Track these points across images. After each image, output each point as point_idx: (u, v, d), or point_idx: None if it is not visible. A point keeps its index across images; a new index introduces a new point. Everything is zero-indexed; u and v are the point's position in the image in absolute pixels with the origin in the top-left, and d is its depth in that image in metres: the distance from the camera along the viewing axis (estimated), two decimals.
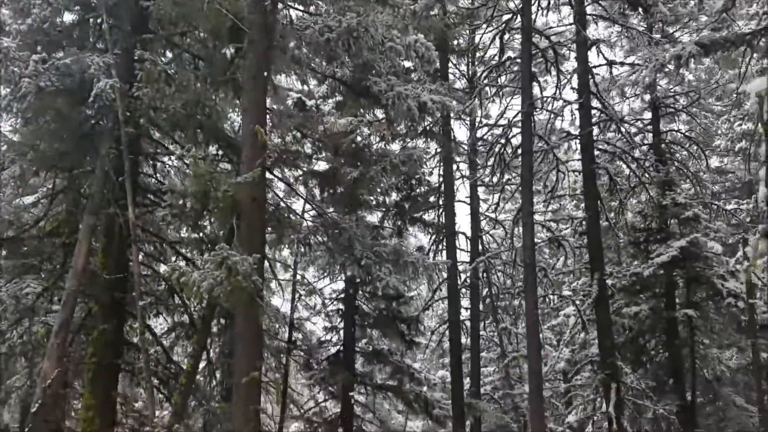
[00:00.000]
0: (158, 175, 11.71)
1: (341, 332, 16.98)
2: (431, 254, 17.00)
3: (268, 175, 9.83)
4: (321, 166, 12.49)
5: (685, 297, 15.50)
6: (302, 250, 13.87)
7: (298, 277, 17.53)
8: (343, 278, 15.81)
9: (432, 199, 17.18)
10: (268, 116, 9.42)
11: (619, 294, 15.56)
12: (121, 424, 9.96)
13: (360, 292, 17.10)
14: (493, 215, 18.11)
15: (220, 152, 10.81)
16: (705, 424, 15.00)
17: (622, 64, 15.09)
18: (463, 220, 18.38)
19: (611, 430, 12.52)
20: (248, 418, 7.23)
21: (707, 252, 14.09)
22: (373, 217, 16.42)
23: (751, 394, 16.28)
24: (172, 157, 11.37)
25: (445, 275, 16.30)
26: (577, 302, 12.59)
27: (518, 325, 19.09)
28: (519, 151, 12.24)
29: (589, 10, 14.44)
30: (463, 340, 17.12)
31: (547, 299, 16.78)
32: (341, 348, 16.64)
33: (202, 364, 13.86)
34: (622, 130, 14.72)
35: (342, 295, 16.99)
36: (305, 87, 12.01)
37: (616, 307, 15.53)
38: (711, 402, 15.65)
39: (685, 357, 15.73)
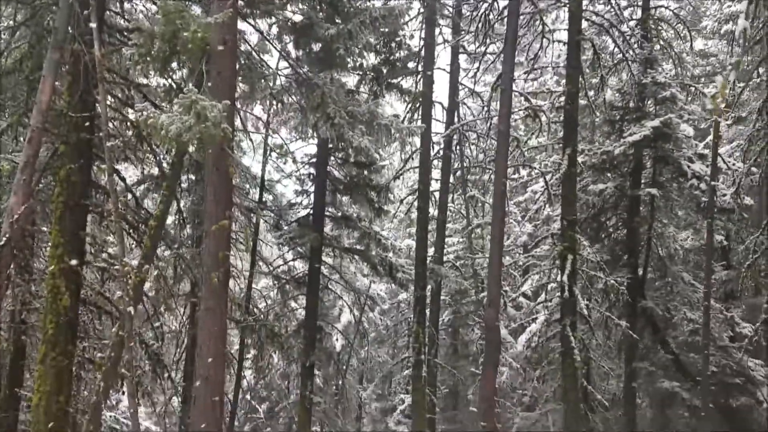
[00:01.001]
0: (126, 15, 11.04)
1: (312, 196, 17.12)
2: (406, 122, 16.83)
3: (241, 24, 9.33)
4: (297, 18, 11.85)
5: (650, 177, 15.85)
6: (275, 108, 13.59)
7: (270, 138, 17.35)
8: (316, 141, 15.66)
9: (411, 65, 16.67)
10: None
11: (588, 171, 15.82)
12: (91, 265, 10.12)
13: (332, 157, 17.08)
14: (472, 86, 17.78)
15: None
16: (652, 296, 15.93)
17: None
18: (441, 90, 18.06)
19: (563, 297, 13.27)
20: (218, 263, 7.36)
21: (679, 133, 14.22)
22: (350, 81, 15.98)
23: (698, 272, 17.23)
24: None
25: (418, 143, 16.29)
26: (547, 176, 12.74)
27: (486, 196, 19.51)
28: (505, 12, 11.74)
29: None
30: (431, 210, 17.47)
31: (517, 172, 17.00)
32: (311, 211, 16.86)
33: (171, 218, 14.09)
34: (612, 1, 14.21)
35: (314, 160, 16.94)
36: None
37: (583, 184, 15.86)
38: (661, 278, 16.52)
39: (642, 234, 16.40)
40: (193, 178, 14.48)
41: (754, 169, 13.30)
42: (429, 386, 15.51)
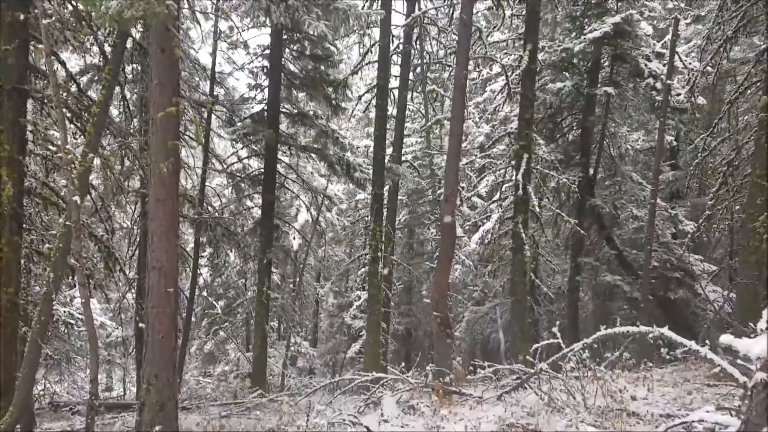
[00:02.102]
0: None
1: (266, 91, 16.52)
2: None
3: None
4: None
5: (608, 76, 15.83)
6: None
7: (221, 26, 16.43)
8: (269, 30, 14.91)
9: None
10: None
11: (547, 70, 15.68)
12: (33, 154, 9.66)
13: (287, 49, 16.38)
14: None
15: None
16: (601, 195, 16.38)
17: None
18: None
19: (517, 195, 13.49)
20: (166, 153, 7.09)
21: (638, 30, 14.07)
22: None
23: (647, 172, 17.72)
24: None
25: (377, 36, 15.69)
26: (508, 72, 12.53)
27: (447, 93, 19.21)
28: None
29: None
30: (390, 109, 17.15)
31: (477, 68, 16.68)
32: (265, 107, 16.34)
33: (118, 110, 13.44)
34: None
35: (267, 51, 16.20)
36: None
37: (542, 83, 15.77)
38: (611, 177, 16.94)
39: (595, 135, 16.61)
40: (139, 68, 13.72)
41: (709, 68, 13.36)
42: (385, 282, 15.88)
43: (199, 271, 16.80)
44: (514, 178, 13.34)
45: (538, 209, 14.01)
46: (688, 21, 15.64)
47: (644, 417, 6.64)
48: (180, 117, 7.37)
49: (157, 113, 6.93)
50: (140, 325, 12.27)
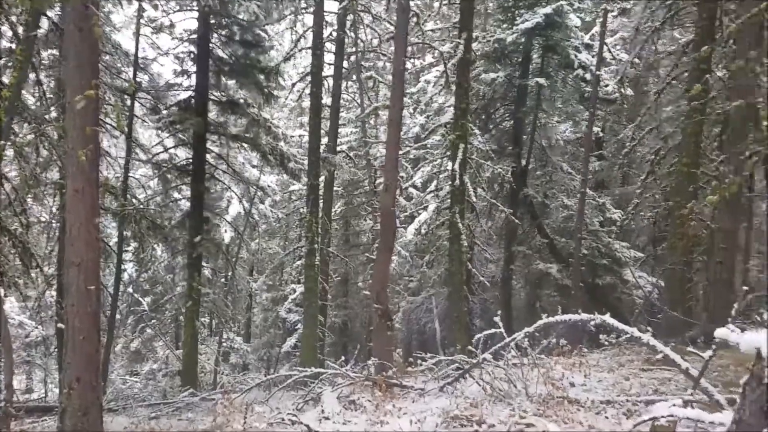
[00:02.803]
0: None
1: (193, 77, 15.85)
2: None
3: None
4: None
5: (539, 67, 16.07)
6: None
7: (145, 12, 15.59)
8: (196, 14, 14.24)
9: None
10: None
11: (481, 60, 15.75)
12: None
13: (215, 34, 15.74)
14: None
15: None
16: (533, 184, 16.67)
17: None
18: None
19: (453, 185, 13.48)
20: (84, 139, 6.53)
21: (569, 21, 14.32)
22: None
23: (575, 162, 18.20)
24: None
25: (310, 22, 15.31)
26: (446, 61, 12.45)
27: (383, 76, 19.01)
28: None
29: None
30: (324, 99, 16.80)
31: (413, 59, 16.57)
32: (193, 94, 15.68)
33: (33, 98, 12.47)
34: None
35: (195, 36, 15.51)
36: None
37: (476, 73, 15.83)
38: (542, 167, 17.26)
39: (527, 125, 16.87)
40: (57, 54, 12.78)
41: (636, 60, 13.76)
42: (321, 275, 15.60)
43: (123, 267, 15.98)
44: (450, 168, 13.30)
45: (474, 199, 14.05)
46: (614, 14, 16.08)
47: (585, 404, 6.70)
48: (100, 102, 6.81)
49: (75, 97, 6.36)
50: (59, 325, 11.48)
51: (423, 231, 15.40)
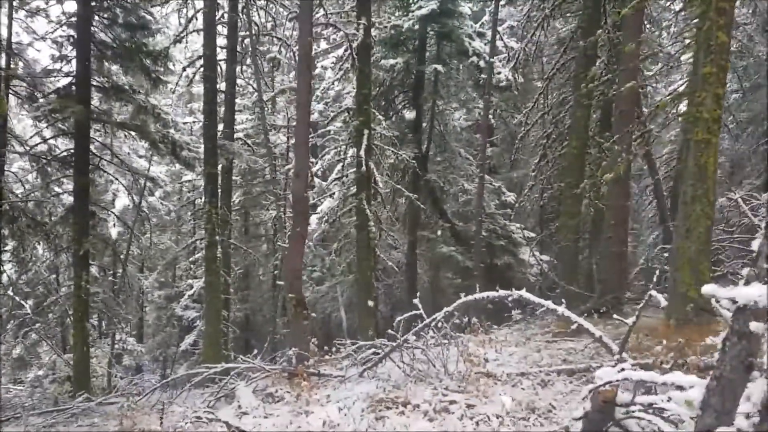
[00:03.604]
0: None
1: (73, 62, 14.70)
2: None
3: None
4: None
5: (435, 54, 16.37)
6: None
7: None
8: None
9: None
10: None
11: (380, 45, 15.80)
12: None
13: (96, 17, 14.65)
14: None
15: None
16: (435, 170, 17.03)
17: None
18: None
19: (359, 171, 13.46)
20: None
21: (461, 8, 14.69)
22: None
23: (468, 148, 18.80)
24: None
25: (199, 5, 14.63)
26: (352, 43, 12.32)
27: (277, 69, 18.57)
28: None
29: None
30: (218, 84, 16.13)
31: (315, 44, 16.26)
32: (74, 80, 14.53)
33: None
34: None
35: (74, 19, 14.38)
36: None
37: (375, 59, 15.85)
38: (441, 153, 17.67)
39: (425, 112, 17.18)
40: None
41: (530, 46, 14.38)
42: (223, 267, 15.06)
43: (2, 268, 14.59)
44: (356, 155, 13.26)
45: (381, 185, 14.12)
46: (502, 3, 16.69)
47: (501, 377, 6.95)
48: None
49: None
50: None
51: (331, 219, 15.29)
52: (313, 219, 17.10)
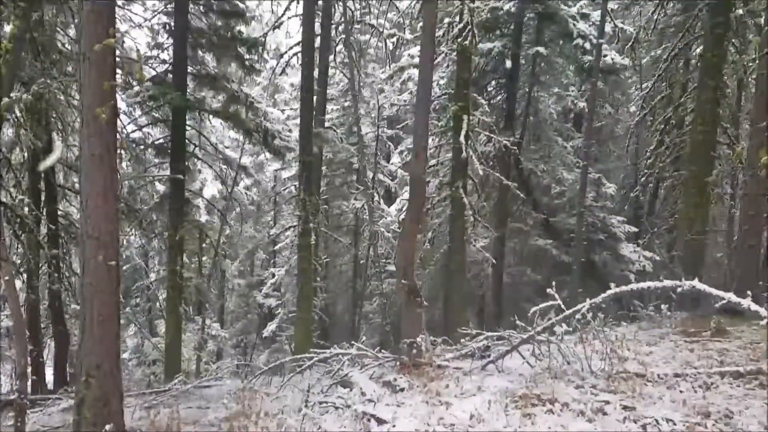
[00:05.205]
0: None
1: (170, 50, 14.90)
2: None
3: None
4: None
5: (534, 37, 15.60)
6: None
7: None
8: None
9: None
10: None
11: (477, 28, 15.17)
12: None
13: (192, 5, 14.75)
14: None
15: None
16: (531, 158, 16.28)
17: None
18: None
19: (458, 158, 12.96)
20: (103, 96, 5.67)
21: None
22: None
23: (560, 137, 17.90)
24: None
25: None
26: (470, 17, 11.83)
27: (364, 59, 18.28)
28: None
29: None
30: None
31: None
32: (170, 68, 14.72)
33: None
34: None
35: (170, 7, 14.57)
36: None
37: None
38: (536, 141, 16.89)
39: (520, 99, 16.46)
40: None
41: (648, 24, 13.44)
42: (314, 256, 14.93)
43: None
44: (455, 141, 12.76)
45: (480, 173, 13.56)
46: None
47: (651, 378, 6.31)
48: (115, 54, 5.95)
49: (92, 46, 5.50)
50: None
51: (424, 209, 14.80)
52: (391, 209, 16.72)
